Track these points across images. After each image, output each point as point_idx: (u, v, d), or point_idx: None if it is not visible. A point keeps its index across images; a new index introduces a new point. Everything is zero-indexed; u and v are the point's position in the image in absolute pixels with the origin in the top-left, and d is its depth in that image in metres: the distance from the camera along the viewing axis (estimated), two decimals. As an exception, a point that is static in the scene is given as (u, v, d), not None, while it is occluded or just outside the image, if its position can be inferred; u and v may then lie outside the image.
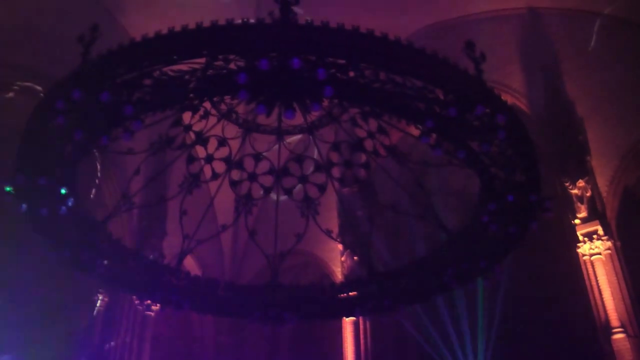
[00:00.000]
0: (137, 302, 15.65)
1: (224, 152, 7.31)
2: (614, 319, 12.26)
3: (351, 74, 4.77)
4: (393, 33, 4.66)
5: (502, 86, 14.92)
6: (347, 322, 16.72)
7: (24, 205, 5.90)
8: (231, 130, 7.50)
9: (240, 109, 7.46)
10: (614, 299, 12.41)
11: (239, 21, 4.55)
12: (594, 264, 12.97)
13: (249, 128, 7.77)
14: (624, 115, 14.09)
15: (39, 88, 14.06)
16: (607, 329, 12.27)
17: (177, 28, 4.56)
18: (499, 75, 15.20)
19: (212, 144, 7.30)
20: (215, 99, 6.85)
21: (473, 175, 6.18)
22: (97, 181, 15.83)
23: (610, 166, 13.98)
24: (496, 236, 6.52)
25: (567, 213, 13.64)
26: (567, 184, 13.79)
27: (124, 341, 16.00)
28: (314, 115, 7.30)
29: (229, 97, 6.56)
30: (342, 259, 17.53)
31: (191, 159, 7.39)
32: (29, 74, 14.61)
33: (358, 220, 15.40)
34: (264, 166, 7.54)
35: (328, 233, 7.82)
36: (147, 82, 4.85)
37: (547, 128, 14.64)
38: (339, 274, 17.61)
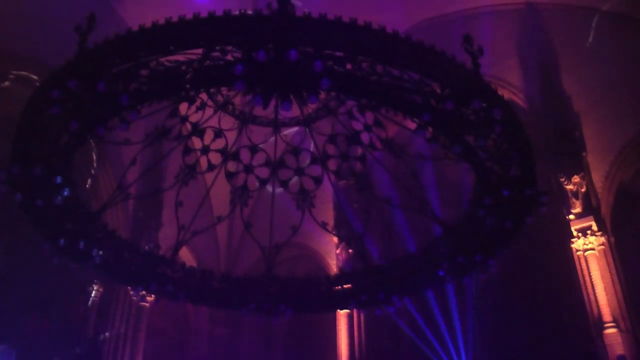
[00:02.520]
0: (132, 292, 15.63)
1: (220, 143, 7.31)
2: (606, 314, 12.36)
3: (348, 66, 4.76)
4: (391, 26, 4.65)
5: (499, 81, 14.94)
6: (342, 315, 16.77)
7: (19, 195, 5.88)
8: (227, 122, 7.50)
9: (237, 100, 7.45)
10: (606, 294, 12.50)
11: (237, 12, 4.53)
12: (588, 259, 13.05)
13: (245, 120, 7.76)
14: (620, 112, 14.13)
15: (34, 77, 13.99)
16: (600, 323, 12.37)
17: (175, 18, 4.54)
18: (496, 70, 15.22)
19: (209, 135, 7.29)
20: (211, 90, 6.84)
21: (469, 170, 6.18)
22: (92, 171, 15.79)
23: (606, 162, 14.04)
24: (492, 230, 6.54)
25: (562, 208, 13.71)
26: (562, 179, 13.84)
27: (119, 332, 16.03)
28: (311, 107, 7.30)
29: (225, 88, 6.56)
30: (337, 251, 17.58)
31: (187, 150, 7.38)
32: (25, 63, 14.54)
33: (354, 213, 15.40)
34: (260, 158, 7.54)
35: (323, 225, 7.82)
36: (144, 72, 4.82)
37: (544, 123, 14.68)
38: (334, 267, 17.67)
